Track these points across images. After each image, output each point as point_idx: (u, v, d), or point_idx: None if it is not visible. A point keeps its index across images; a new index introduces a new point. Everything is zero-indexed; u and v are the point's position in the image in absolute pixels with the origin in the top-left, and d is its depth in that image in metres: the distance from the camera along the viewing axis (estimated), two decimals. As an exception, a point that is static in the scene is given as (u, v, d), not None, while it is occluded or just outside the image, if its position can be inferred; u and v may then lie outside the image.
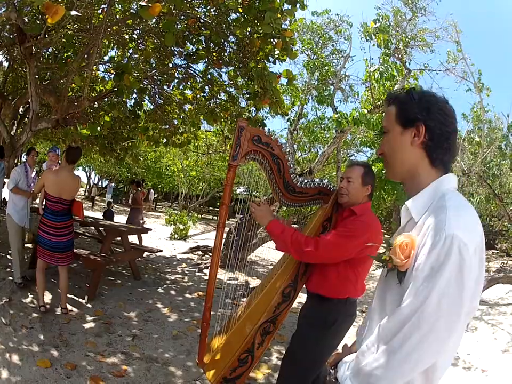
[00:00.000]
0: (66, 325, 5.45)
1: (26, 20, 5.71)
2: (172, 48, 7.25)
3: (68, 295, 6.42)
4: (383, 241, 1.70)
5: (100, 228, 9.23)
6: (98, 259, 6.97)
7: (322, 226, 3.49)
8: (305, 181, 3.38)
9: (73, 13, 3.92)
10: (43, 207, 5.89)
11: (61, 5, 3.83)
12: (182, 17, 6.52)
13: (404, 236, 1.50)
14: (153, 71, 7.91)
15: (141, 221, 13.45)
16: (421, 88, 1.81)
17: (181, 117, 9.50)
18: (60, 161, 6.77)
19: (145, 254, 9.76)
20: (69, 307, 6.08)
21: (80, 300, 6.50)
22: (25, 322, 5.23)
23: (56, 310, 5.91)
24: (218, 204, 45.67)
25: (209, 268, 3.15)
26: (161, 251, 9.82)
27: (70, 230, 5.98)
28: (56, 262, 5.86)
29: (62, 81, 7.68)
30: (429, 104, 1.60)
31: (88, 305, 6.39)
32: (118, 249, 9.64)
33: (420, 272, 1.36)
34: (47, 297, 6.24)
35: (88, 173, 42.78)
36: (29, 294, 6.28)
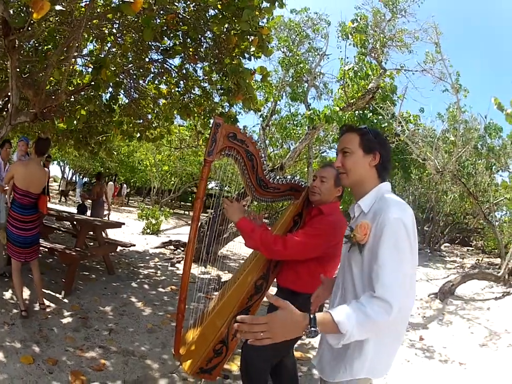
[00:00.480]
0: (45, 321, 5.48)
1: (11, 12, 5.66)
2: (149, 42, 7.22)
3: (45, 291, 6.43)
4: (349, 228, 2.33)
5: (74, 222, 9.21)
6: (74, 253, 6.95)
7: (293, 221, 3.66)
8: (278, 177, 3.53)
9: (57, 7, 3.92)
10: (11, 200, 5.78)
11: (46, -1, 3.84)
12: (161, 12, 6.52)
13: (362, 222, 2.16)
14: (130, 65, 7.88)
15: (104, 213, 13.45)
16: (374, 128, 2.74)
17: (155, 111, 9.49)
18: (29, 152, 6.68)
19: (118, 248, 9.73)
20: (47, 302, 6.07)
21: (57, 295, 6.51)
22: (7, 319, 5.25)
23: (35, 306, 5.90)
24: (190, 198, 45.87)
25: (183, 260, 3.24)
26: (134, 245, 9.87)
27: (37, 224, 5.89)
28: (24, 259, 5.77)
29: (40, 74, 7.64)
30: (382, 141, 2.40)
31: (65, 300, 6.40)
32: (91, 244, 9.65)
33: (384, 243, 2.00)
34: (25, 293, 6.19)
35: (62, 167, 42.49)
36: (8, 290, 6.27)
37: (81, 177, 40.06)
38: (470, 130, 15.58)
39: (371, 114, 13.20)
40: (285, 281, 3.53)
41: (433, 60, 12.57)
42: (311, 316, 1.90)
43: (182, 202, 44.92)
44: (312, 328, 1.87)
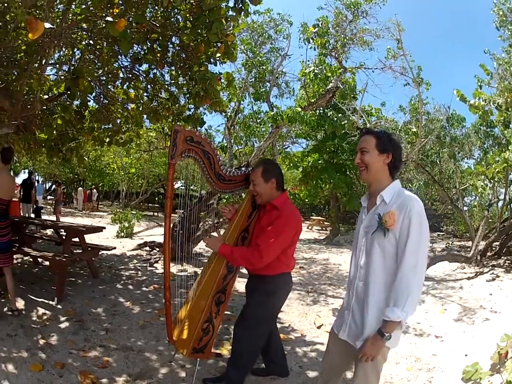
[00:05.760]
0: (44, 328, 5.64)
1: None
2: (120, 49, 7.21)
3: (38, 299, 6.70)
4: (376, 215, 2.75)
5: (58, 230, 9.49)
6: (64, 260, 7.18)
7: (251, 206, 4.22)
8: (233, 170, 4.12)
9: (46, 25, 4.06)
10: None
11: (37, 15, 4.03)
12: (134, 23, 6.59)
13: (390, 211, 2.66)
14: (100, 72, 7.99)
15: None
16: (389, 131, 3.30)
17: (124, 115, 9.59)
18: None
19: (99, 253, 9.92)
20: (42, 310, 6.27)
21: (50, 302, 6.67)
22: (9, 331, 5.36)
23: (32, 315, 6.07)
24: (157, 199, 45.87)
25: (160, 260, 3.81)
26: (115, 248, 10.07)
27: (9, 231, 6.05)
28: (1, 264, 5.91)
29: (15, 83, 7.67)
30: (394, 143, 2.89)
31: (59, 306, 6.57)
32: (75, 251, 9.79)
33: (412, 230, 2.58)
34: (20, 303, 6.42)
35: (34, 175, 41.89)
36: (3, 301, 6.37)
37: (39, 182, 39.79)
38: (432, 121, 16.04)
39: (332, 112, 13.61)
40: (255, 269, 3.98)
41: (395, 56, 12.97)
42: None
43: (150, 204, 44.70)
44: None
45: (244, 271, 4.34)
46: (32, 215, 16.18)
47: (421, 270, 2.59)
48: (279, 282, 4.01)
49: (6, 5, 4.91)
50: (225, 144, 15.65)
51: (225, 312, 6.48)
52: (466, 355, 5.44)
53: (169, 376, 4.60)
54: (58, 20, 6.16)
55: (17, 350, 4.84)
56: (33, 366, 4.47)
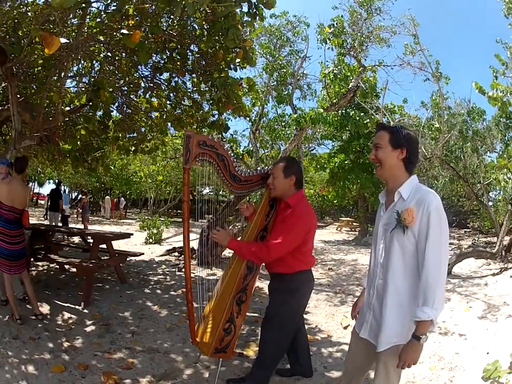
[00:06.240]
0: (69, 331, 5.75)
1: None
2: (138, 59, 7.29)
3: (64, 304, 6.84)
4: (395, 213, 2.68)
5: (85, 237, 9.69)
6: (91, 265, 7.31)
7: (269, 205, 4.29)
8: (248, 170, 4.18)
9: (62, 40, 4.17)
10: None
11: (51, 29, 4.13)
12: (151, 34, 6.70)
13: (409, 208, 2.60)
14: (121, 82, 8.17)
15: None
16: (404, 125, 3.16)
17: (148, 124, 9.77)
18: (10, 172, 6.81)
19: (127, 259, 10.05)
20: (67, 315, 6.39)
21: (77, 307, 6.78)
22: (32, 334, 5.44)
23: (58, 319, 6.18)
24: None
25: (183, 256, 3.89)
26: (143, 254, 10.22)
27: (23, 238, 6.11)
28: (14, 272, 5.94)
29: (34, 97, 7.78)
30: (409, 138, 2.78)
31: (85, 310, 6.68)
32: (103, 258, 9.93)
33: (431, 225, 2.52)
34: (45, 308, 6.57)
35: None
36: (28, 307, 6.42)
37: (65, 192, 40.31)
38: (454, 116, 15.86)
39: (354, 112, 13.61)
40: (272, 268, 4.13)
41: (413, 51, 12.84)
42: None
43: (178, 210, 44.87)
44: None
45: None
46: (60, 224, 16.60)
47: (444, 265, 2.56)
48: (301, 280, 4.06)
49: (16, 21, 5.04)
50: (251, 149, 15.72)
51: (253, 314, 6.60)
52: (488, 353, 5.34)
53: (193, 377, 4.63)
54: (73, 34, 6.29)
55: (39, 352, 4.92)
56: (55, 367, 4.52)
